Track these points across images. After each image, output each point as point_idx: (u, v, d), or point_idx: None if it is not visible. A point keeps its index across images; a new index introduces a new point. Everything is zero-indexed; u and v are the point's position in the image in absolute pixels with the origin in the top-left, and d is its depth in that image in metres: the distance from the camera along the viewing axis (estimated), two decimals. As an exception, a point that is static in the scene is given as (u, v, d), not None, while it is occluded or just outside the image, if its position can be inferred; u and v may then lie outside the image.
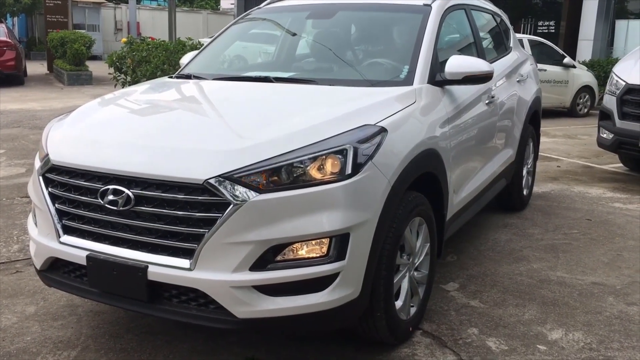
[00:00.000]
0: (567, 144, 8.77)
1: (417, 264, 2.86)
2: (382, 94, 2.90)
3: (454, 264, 3.84)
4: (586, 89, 12.17)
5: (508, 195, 4.83)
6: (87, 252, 2.41)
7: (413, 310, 2.86)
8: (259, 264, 2.21)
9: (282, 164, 2.23)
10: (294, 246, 2.23)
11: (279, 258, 2.23)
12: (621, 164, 7.07)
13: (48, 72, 18.49)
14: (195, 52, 4.04)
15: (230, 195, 2.18)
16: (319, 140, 2.33)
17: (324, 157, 2.27)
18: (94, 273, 2.42)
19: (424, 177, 2.81)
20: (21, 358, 2.66)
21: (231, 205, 2.17)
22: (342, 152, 2.29)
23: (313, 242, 2.24)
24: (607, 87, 6.43)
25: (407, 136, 2.69)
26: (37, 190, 2.62)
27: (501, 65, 4.38)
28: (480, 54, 4.01)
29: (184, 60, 3.98)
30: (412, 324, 2.84)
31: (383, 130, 2.50)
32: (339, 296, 2.29)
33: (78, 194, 2.47)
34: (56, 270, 2.62)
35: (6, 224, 4.43)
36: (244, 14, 4.30)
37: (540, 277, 3.65)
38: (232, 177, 2.20)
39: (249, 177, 2.20)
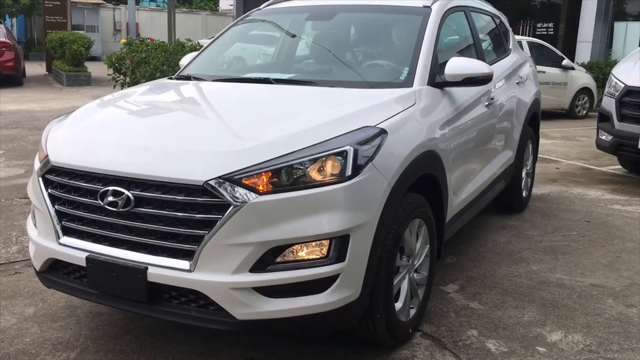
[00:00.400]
0: (566, 146, 8.77)
1: (416, 266, 2.86)
2: (382, 96, 2.90)
3: (454, 265, 3.84)
4: (585, 90, 12.15)
5: (507, 197, 4.82)
6: (87, 254, 2.41)
7: (413, 311, 2.86)
8: (259, 266, 2.21)
9: (282, 166, 2.23)
10: (294, 248, 2.23)
11: (279, 259, 2.23)
12: (620, 166, 7.07)
13: (47, 72, 18.48)
14: (195, 53, 4.04)
15: (230, 197, 2.18)
16: (319, 141, 2.33)
17: (324, 158, 2.27)
18: (94, 274, 2.41)
19: (423, 178, 2.81)
20: (20, 359, 2.66)
21: (231, 207, 2.17)
22: (342, 154, 2.29)
23: (313, 243, 2.24)
24: (606, 89, 6.40)
25: (407, 138, 2.69)
26: (37, 192, 2.62)
27: (501, 67, 4.39)
28: (480, 55, 4.02)
29: (184, 61, 3.98)
30: (411, 326, 2.84)
31: (383, 131, 2.50)
32: (339, 298, 2.29)
33: (78, 195, 2.46)
34: (55, 271, 2.61)
35: (5, 225, 4.42)
36: (244, 15, 4.30)
37: (540, 278, 3.65)
38: (232, 179, 2.20)
39: (249, 179, 2.20)
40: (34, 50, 26.28)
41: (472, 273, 3.72)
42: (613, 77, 6.27)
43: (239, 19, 4.28)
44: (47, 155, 2.61)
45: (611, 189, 6.11)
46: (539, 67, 8.71)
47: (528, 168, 5.23)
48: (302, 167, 2.24)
